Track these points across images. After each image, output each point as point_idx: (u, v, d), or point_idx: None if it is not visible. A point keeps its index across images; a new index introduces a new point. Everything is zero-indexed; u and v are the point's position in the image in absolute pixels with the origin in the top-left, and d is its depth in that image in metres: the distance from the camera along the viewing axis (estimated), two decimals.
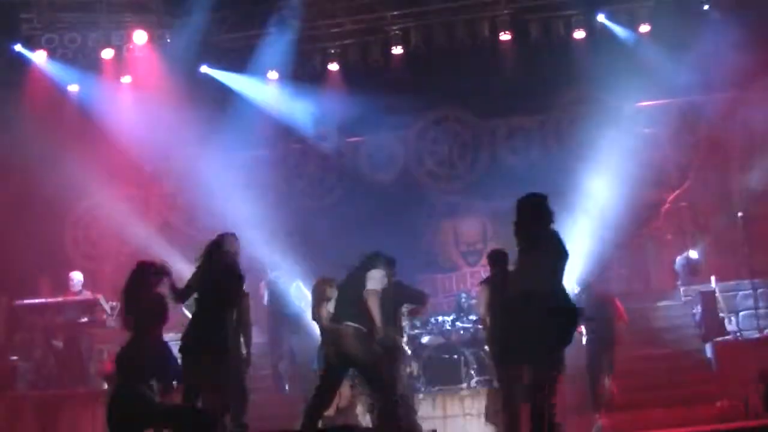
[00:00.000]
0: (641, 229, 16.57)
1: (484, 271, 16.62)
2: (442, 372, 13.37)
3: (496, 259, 11.12)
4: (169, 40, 16.50)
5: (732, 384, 12.02)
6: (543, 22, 16.35)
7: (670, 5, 15.84)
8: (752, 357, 12.30)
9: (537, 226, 8.07)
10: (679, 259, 15.47)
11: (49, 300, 14.61)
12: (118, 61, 16.54)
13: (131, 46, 16.42)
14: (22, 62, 16.31)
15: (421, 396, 13.04)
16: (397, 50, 16.64)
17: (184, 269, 15.80)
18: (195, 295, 9.17)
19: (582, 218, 14.69)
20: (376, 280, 9.70)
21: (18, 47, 16.21)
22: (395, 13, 16.59)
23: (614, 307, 12.55)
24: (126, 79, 16.74)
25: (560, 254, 8.03)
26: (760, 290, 14.60)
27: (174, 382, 8.15)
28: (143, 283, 7.70)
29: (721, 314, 13.94)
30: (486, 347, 12.46)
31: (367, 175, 17.79)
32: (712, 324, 13.73)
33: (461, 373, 13.32)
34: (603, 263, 14.49)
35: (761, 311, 14.52)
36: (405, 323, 13.76)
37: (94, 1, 16.25)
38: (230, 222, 15.65)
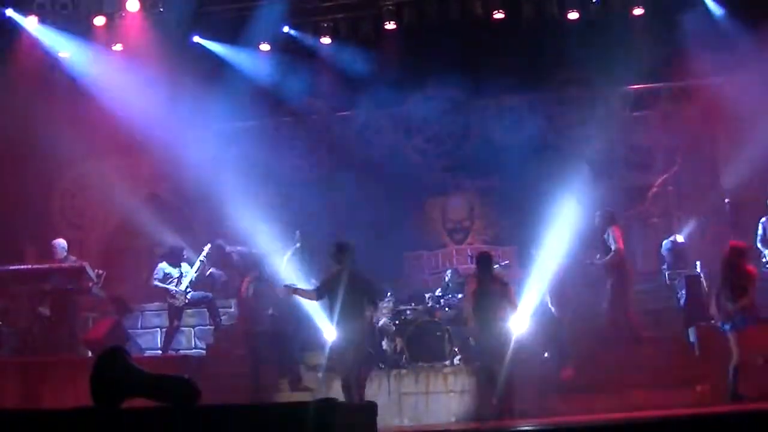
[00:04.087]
0: (628, 212, 16.60)
1: (470, 249, 16.74)
2: (426, 348, 13.41)
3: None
4: (161, 9, 16.39)
5: (714, 368, 12.07)
6: (536, 1, 16.29)
7: None
8: None
9: None
10: (665, 243, 15.49)
11: (35, 266, 14.60)
12: (109, 29, 16.41)
13: (123, 14, 16.32)
14: (13, 27, 16.19)
15: (404, 371, 13.11)
16: (390, 26, 16.56)
17: (169, 239, 15.99)
18: None
19: (569, 199, 14.69)
20: None
21: (9, 12, 16.08)
22: None
23: None
24: (117, 48, 16.63)
25: None
26: None
27: None
28: None
29: (705, 298, 13.96)
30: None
31: (357, 149, 17.75)
32: (696, 308, 13.77)
33: (445, 350, 13.36)
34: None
35: None
36: (389, 302, 13.89)
37: None
38: (218, 193, 15.72)
